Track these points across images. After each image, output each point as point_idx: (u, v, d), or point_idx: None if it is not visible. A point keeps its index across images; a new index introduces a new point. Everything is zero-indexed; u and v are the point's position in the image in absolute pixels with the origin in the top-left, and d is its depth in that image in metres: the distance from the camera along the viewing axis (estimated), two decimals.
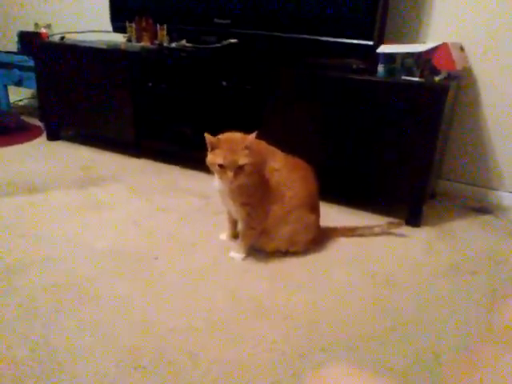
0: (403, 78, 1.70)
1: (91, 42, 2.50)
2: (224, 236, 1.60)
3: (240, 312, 1.21)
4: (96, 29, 2.62)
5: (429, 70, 1.70)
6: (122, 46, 2.34)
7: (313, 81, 1.82)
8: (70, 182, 2.06)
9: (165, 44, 2.32)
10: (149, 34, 2.33)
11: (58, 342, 1.05)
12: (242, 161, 1.25)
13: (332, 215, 1.81)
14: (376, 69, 1.77)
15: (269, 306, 1.24)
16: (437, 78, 1.68)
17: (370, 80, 1.74)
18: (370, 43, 1.85)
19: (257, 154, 1.32)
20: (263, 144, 1.43)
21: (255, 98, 1.96)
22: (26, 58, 2.77)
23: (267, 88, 1.92)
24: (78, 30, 2.64)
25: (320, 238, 1.58)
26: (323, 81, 1.81)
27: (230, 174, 1.26)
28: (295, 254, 1.51)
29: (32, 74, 2.67)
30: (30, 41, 2.73)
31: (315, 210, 1.52)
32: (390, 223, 1.68)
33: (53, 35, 2.70)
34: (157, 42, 2.33)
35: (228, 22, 2.16)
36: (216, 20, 2.17)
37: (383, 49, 1.74)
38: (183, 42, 2.36)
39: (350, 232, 1.66)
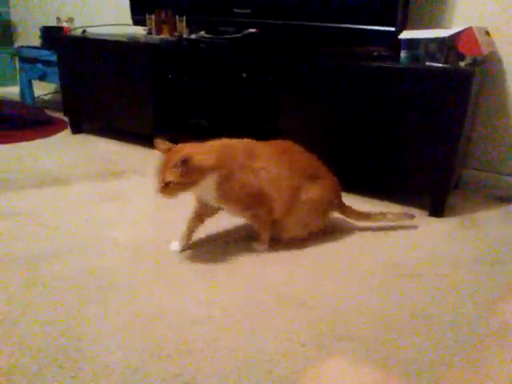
0: (427, 64, 1.65)
1: (112, 35, 2.52)
2: (176, 245, 1.45)
3: (259, 302, 1.21)
4: (117, 22, 2.64)
5: (453, 55, 1.65)
6: (142, 39, 2.36)
7: (334, 70, 1.80)
8: (92, 174, 2.10)
9: (184, 36, 2.32)
10: (168, 26, 2.34)
11: (81, 330, 1.08)
12: (168, 178, 1.23)
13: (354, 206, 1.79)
14: (399, 56, 1.73)
15: (288, 296, 1.24)
16: (462, 64, 1.63)
17: (392, 67, 1.70)
18: (393, 29, 1.81)
19: (220, 162, 1.29)
20: (238, 148, 1.37)
21: (275, 88, 1.94)
22: (49, 52, 2.82)
23: (288, 78, 1.90)
24: (99, 24, 2.67)
25: (339, 202, 1.55)
26: (345, 69, 1.78)
27: (158, 186, 1.25)
28: (317, 236, 1.51)
29: (55, 69, 2.71)
30: (52, 35, 2.78)
31: (319, 178, 1.47)
32: (404, 214, 1.61)
33: (74, 29, 2.74)
34: (176, 33, 2.34)
35: (248, 11, 2.14)
36: (236, 10, 2.16)
37: (406, 35, 1.70)
38: (202, 33, 2.36)
39: (364, 217, 1.59)
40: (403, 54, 1.71)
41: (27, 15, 3.47)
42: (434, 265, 1.42)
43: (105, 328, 1.09)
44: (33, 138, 2.60)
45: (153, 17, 2.38)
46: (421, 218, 1.72)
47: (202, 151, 1.28)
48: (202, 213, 1.45)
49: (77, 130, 2.73)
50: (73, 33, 2.69)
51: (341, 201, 1.56)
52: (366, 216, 1.59)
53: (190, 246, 1.47)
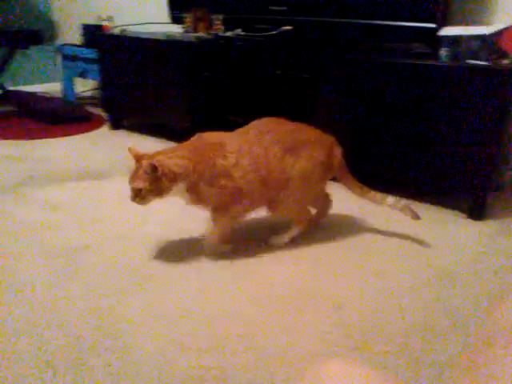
0: (468, 62, 1.60)
1: (150, 33, 2.57)
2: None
3: (291, 300, 1.21)
4: (155, 20, 2.69)
5: (496, 53, 1.59)
6: (179, 37, 2.39)
7: (372, 67, 1.77)
8: (129, 169, 2.15)
9: (220, 33, 2.34)
10: (205, 24, 2.36)
11: (118, 319, 1.12)
12: (138, 186, 1.23)
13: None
14: (439, 53, 1.68)
15: (319, 295, 1.24)
16: (505, 62, 1.57)
17: (432, 65, 1.66)
18: (433, 26, 1.76)
19: (191, 167, 1.27)
20: (210, 147, 1.33)
21: (310, 86, 1.93)
22: (89, 50, 2.91)
23: (323, 76, 1.89)
24: (138, 22, 2.73)
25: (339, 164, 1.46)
26: (383, 67, 1.75)
27: (131, 194, 1.26)
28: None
29: (95, 66, 2.80)
30: (93, 33, 2.86)
31: (305, 147, 1.38)
32: (407, 207, 1.47)
33: (114, 28, 2.81)
34: (212, 31, 2.36)
35: (284, 8, 2.14)
36: (271, 7, 2.16)
37: (447, 31, 1.65)
38: (238, 30, 2.37)
39: (360, 190, 1.49)
40: (443, 51, 1.67)
41: (69, 13, 3.58)
42: (471, 268, 1.39)
43: (140, 319, 1.12)
44: (72, 134, 2.69)
45: (190, 15, 2.42)
46: (458, 221, 1.68)
47: (173, 156, 1.27)
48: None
49: (115, 125, 2.80)
50: (112, 31, 2.76)
51: (340, 163, 1.46)
52: (365, 191, 1.49)
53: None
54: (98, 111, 3.11)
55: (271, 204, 1.41)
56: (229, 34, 2.34)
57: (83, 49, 2.99)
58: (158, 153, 1.29)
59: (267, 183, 1.34)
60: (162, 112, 2.48)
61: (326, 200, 1.59)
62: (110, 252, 1.43)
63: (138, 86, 2.53)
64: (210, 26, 2.35)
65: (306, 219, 1.50)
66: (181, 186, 1.28)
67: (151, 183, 1.22)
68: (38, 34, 2.80)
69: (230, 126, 2.27)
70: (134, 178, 1.24)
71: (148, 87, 2.49)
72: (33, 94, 3.08)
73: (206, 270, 1.35)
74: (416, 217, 1.46)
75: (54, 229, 1.57)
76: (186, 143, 1.35)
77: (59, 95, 3.35)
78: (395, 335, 1.09)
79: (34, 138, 2.55)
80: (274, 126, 1.41)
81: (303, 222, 1.50)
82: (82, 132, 2.74)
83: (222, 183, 1.30)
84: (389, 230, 1.60)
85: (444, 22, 1.80)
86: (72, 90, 3.26)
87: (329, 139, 1.45)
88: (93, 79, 3.10)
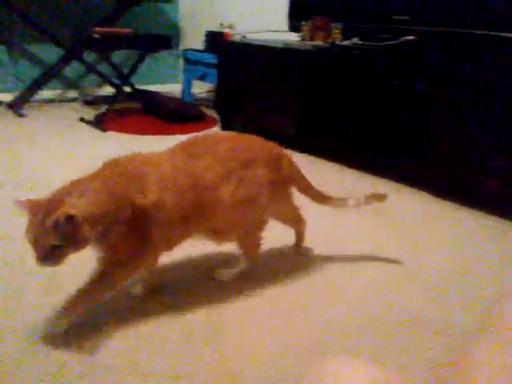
0: None
1: (268, 40, 2.67)
2: (137, 288, 1.22)
3: (381, 323, 1.18)
4: (274, 29, 2.79)
5: None
6: (295, 45, 2.45)
7: (501, 84, 1.65)
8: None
9: (337, 42, 2.35)
10: (323, 33, 2.39)
11: (229, 312, 1.17)
12: (48, 242, 0.91)
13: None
14: None
15: (422, 319, 1.18)
16: None
17: None
18: None
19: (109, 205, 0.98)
20: (127, 178, 1.03)
21: (426, 100, 1.85)
22: (210, 55, 3.10)
23: (442, 90, 1.80)
24: (257, 30, 2.85)
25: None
26: None
27: (38, 254, 0.93)
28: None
29: (213, 70, 2.98)
30: (214, 40, 3.05)
31: (247, 168, 1.15)
32: (371, 196, 1.37)
33: (235, 35, 2.96)
34: (329, 40, 2.38)
35: (406, 18, 2.08)
36: (394, 17, 2.11)
37: None
38: (355, 39, 2.36)
39: (322, 198, 1.35)
40: None
41: (194, 20, 3.85)
42: None
43: (251, 318, 1.18)
44: (187, 132, 2.89)
45: (308, 23, 2.46)
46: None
47: (88, 192, 0.96)
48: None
49: (226, 127, 2.95)
50: (233, 38, 2.91)
51: (292, 174, 1.28)
52: (326, 199, 1.36)
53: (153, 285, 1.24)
54: (210, 112, 3.30)
55: (215, 235, 1.20)
56: (346, 42, 2.34)
57: (204, 54, 3.20)
58: (61, 193, 0.96)
59: (198, 218, 1.11)
60: (271, 117, 2.56)
61: (296, 220, 1.39)
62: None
63: (251, 91, 2.64)
64: (328, 35, 2.37)
65: (256, 252, 1.30)
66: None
67: (69, 236, 0.91)
68: (168, 39, 3.06)
69: (338, 137, 2.27)
70: (37, 233, 0.91)
71: (260, 92, 2.58)
72: (156, 93, 3.36)
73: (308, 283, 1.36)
74: (383, 197, 1.38)
75: None
76: (98, 172, 1.04)
77: (177, 96, 3.62)
78: None
79: (155, 134, 2.79)
80: (206, 147, 1.15)
81: (252, 255, 1.29)
82: (195, 131, 2.92)
83: (135, 230, 1.02)
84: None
85: None
86: (190, 91, 3.51)
87: (273, 151, 1.24)
88: (210, 82, 3.31)
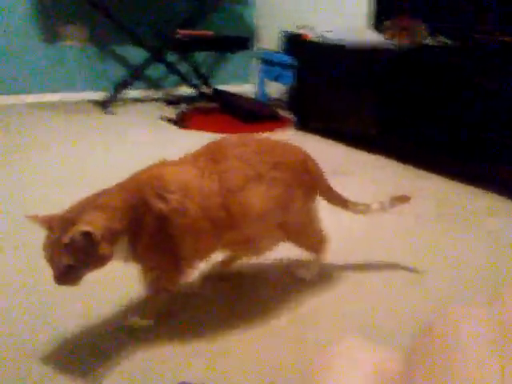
0: None
1: (348, 40, 2.66)
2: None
3: None
4: (353, 29, 2.77)
5: None
6: (377, 45, 2.42)
7: None
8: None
9: (422, 42, 2.29)
10: (407, 32, 2.34)
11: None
12: (65, 261, 0.86)
13: None
14: None
15: None
16: None
17: None
18: None
19: (130, 218, 0.93)
20: (147, 188, 0.96)
21: None
22: (287, 56, 3.14)
23: None
24: (337, 30, 2.84)
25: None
26: None
27: (56, 273, 0.88)
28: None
29: (288, 71, 3.02)
30: (291, 41, 3.09)
31: (268, 172, 1.06)
32: (396, 198, 1.30)
33: (313, 35, 2.98)
34: (414, 40, 2.32)
35: (498, 17, 1.98)
36: (489, 15, 2.02)
37: None
38: (441, 38, 2.28)
39: (343, 203, 1.29)
40: None
41: (270, 21, 3.92)
42: None
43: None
44: (261, 131, 2.95)
45: (391, 23, 2.42)
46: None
47: (106, 208, 0.91)
48: None
49: (300, 127, 2.98)
50: (310, 38, 2.93)
51: (318, 177, 1.22)
52: (349, 204, 1.29)
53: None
54: (283, 113, 3.34)
55: (248, 246, 1.13)
56: (431, 42, 2.27)
57: (281, 55, 3.25)
58: (78, 208, 0.91)
59: (227, 224, 1.02)
60: (349, 118, 2.55)
61: (318, 235, 1.27)
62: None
63: (329, 91, 2.65)
64: (412, 35, 2.32)
65: (320, 244, 1.26)
66: (121, 245, 0.93)
67: (86, 255, 0.86)
68: (247, 40, 3.15)
69: (418, 138, 2.21)
70: (54, 252, 0.86)
71: (338, 92, 2.58)
72: (233, 94, 3.47)
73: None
74: (407, 198, 1.31)
75: None
76: (115, 185, 0.99)
77: (251, 96, 3.71)
78: None
79: (231, 132, 2.89)
80: (231, 150, 1.07)
81: (316, 247, 1.26)
82: (269, 130, 2.99)
83: (162, 240, 0.98)
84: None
85: None
86: (264, 91, 3.58)
87: (298, 153, 1.18)
88: (284, 83, 3.35)
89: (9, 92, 3.31)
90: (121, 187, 0.96)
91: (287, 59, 3.13)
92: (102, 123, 3.00)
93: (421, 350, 0.40)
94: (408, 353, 0.42)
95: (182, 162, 1.06)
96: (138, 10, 3.55)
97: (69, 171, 2.09)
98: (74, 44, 3.45)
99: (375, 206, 1.29)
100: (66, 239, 0.83)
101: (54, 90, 3.48)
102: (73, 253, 0.85)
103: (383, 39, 2.49)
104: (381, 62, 2.30)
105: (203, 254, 1.07)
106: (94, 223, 0.86)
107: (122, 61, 3.68)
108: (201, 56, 3.79)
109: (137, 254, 0.96)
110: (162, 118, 3.10)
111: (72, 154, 2.34)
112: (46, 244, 0.87)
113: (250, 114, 3.11)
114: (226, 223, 1.01)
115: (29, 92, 3.38)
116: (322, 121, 2.89)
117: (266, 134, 2.87)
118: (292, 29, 3.32)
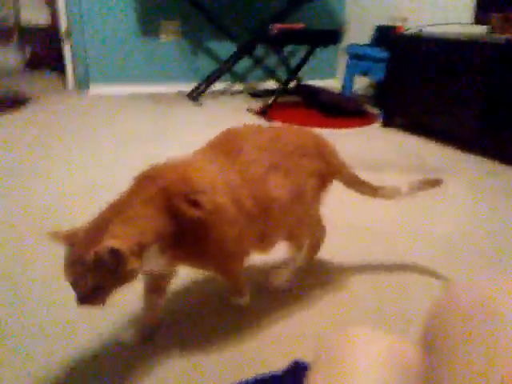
0: None
1: (448, 33, 2.53)
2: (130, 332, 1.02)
3: None
4: (453, 21, 2.63)
5: None
6: (481, 38, 2.27)
7: None
8: (404, 166, 2.21)
9: None
10: None
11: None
12: (92, 283, 0.77)
13: None
14: None
15: None
16: None
17: None
18: None
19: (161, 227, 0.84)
20: (164, 189, 0.85)
21: None
22: (378, 50, 3.06)
23: None
24: (434, 23, 2.72)
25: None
26: None
27: (80, 295, 0.78)
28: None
29: (378, 65, 2.93)
30: (385, 34, 2.99)
31: (285, 159, 1.01)
32: (424, 182, 1.22)
33: (409, 29, 2.87)
34: None
35: None
36: None
37: None
38: None
39: (371, 190, 1.20)
40: None
41: (361, 15, 3.83)
42: None
43: None
44: (347, 126, 2.91)
45: (499, 15, 2.26)
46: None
47: (131, 220, 0.81)
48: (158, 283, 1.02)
49: (388, 123, 2.89)
50: (406, 32, 2.83)
51: (337, 164, 1.14)
52: (376, 189, 1.20)
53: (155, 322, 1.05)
54: (368, 108, 3.26)
55: (261, 242, 1.04)
56: None
57: (372, 49, 3.17)
58: (101, 220, 0.82)
59: (260, 216, 0.96)
60: (446, 115, 2.42)
61: (318, 226, 1.23)
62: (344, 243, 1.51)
63: (424, 86, 2.54)
64: None
65: (304, 241, 1.19)
66: (152, 253, 0.84)
67: (113, 274, 0.77)
68: (338, 34, 3.11)
69: None
70: (76, 272, 0.77)
71: (435, 88, 2.47)
72: (318, 88, 3.45)
73: None
74: (438, 182, 1.23)
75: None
76: (137, 189, 0.87)
77: (336, 90, 3.66)
78: None
79: (316, 126, 2.87)
80: (246, 139, 1.01)
81: (300, 243, 1.17)
82: (356, 126, 2.94)
83: (207, 242, 0.90)
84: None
85: None
86: (351, 86, 3.52)
87: (314, 139, 1.10)
88: (373, 78, 3.27)
89: (109, 82, 3.56)
90: (146, 196, 0.84)
91: (379, 53, 3.04)
92: (190, 113, 3.14)
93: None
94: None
95: (199, 157, 0.98)
96: (229, 5, 3.65)
97: (161, 154, 2.21)
98: (168, 38, 3.63)
99: (405, 188, 1.21)
100: (91, 257, 0.74)
101: (149, 82, 3.68)
102: (99, 272, 0.76)
103: (488, 32, 2.34)
104: (485, 56, 2.16)
105: (247, 246, 1.01)
106: (122, 238, 0.77)
107: (211, 54, 3.80)
108: (289, 49, 3.81)
109: (174, 256, 0.88)
110: (248, 110, 3.17)
111: (162, 140, 2.48)
112: (67, 263, 0.78)
113: (335, 109, 3.08)
114: (256, 213, 0.95)
115: (126, 82, 3.61)
116: (412, 117, 2.79)
117: (355, 129, 2.84)
118: (385, 22, 3.23)
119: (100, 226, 0.79)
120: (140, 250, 0.79)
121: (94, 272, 0.75)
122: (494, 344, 0.31)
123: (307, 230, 1.16)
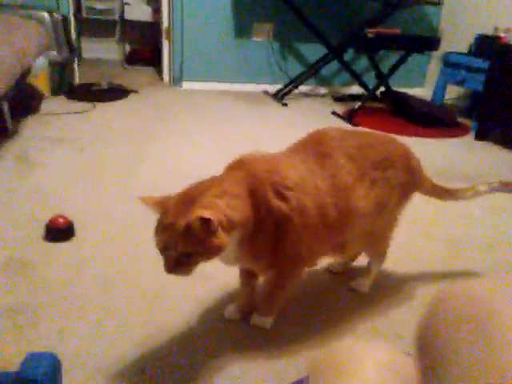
0: None
1: None
2: (231, 309, 1.08)
3: None
4: None
5: None
6: None
7: None
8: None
9: None
10: None
11: None
12: (183, 249, 0.79)
13: None
14: None
15: None
16: None
17: None
18: None
19: (251, 209, 0.85)
20: (255, 182, 0.87)
21: None
22: (478, 60, 2.92)
23: None
24: None
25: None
26: None
27: (169, 262, 0.81)
28: None
29: (476, 75, 2.80)
30: (486, 44, 2.86)
31: (373, 169, 1.01)
32: (503, 183, 1.24)
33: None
34: None
35: None
36: None
37: None
38: None
39: (449, 194, 1.23)
40: None
41: (459, 23, 3.68)
42: None
43: None
44: (435, 136, 2.81)
45: None
46: None
47: (225, 196, 0.83)
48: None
49: (482, 136, 2.76)
50: (510, 42, 2.69)
51: (421, 177, 1.15)
52: (454, 193, 1.23)
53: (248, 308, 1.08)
54: (460, 119, 3.13)
55: (341, 248, 1.08)
56: None
57: (471, 58, 3.03)
58: (194, 191, 0.84)
59: (339, 225, 0.96)
60: None
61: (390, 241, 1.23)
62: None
63: None
64: None
65: (385, 253, 1.20)
66: (233, 238, 0.85)
67: (202, 243, 0.78)
68: (436, 41, 3.02)
69: None
70: (170, 239, 0.79)
71: None
72: (408, 95, 3.36)
73: None
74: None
75: None
76: (230, 174, 0.90)
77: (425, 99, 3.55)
78: None
79: (401, 134, 2.80)
80: (335, 144, 0.99)
81: (382, 256, 1.20)
82: (447, 137, 2.83)
83: (279, 238, 0.90)
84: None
85: None
86: (442, 95, 3.39)
87: (402, 149, 1.10)
88: (468, 88, 3.13)
89: (200, 78, 3.74)
90: (237, 177, 0.87)
91: (477, 63, 2.91)
92: (276, 113, 3.20)
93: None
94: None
95: (290, 154, 1.00)
96: (321, 7, 3.67)
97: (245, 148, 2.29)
98: (260, 40, 3.73)
99: (483, 188, 1.23)
100: (183, 225, 0.76)
101: (237, 80, 3.81)
102: (189, 240, 0.77)
103: None
104: None
105: (316, 255, 1.02)
106: (214, 209, 0.79)
107: (299, 57, 3.85)
108: (380, 55, 3.76)
109: (246, 253, 0.89)
110: (333, 113, 3.18)
111: (250, 137, 2.56)
112: (158, 229, 0.80)
113: (425, 118, 2.99)
114: (337, 224, 0.95)
115: (216, 79, 3.77)
116: (509, 132, 2.64)
117: (445, 140, 2.73)
118: (484, 31, 3.08)
119: (192, 197, 0.81)
120: (228, 225, 0.80)
121: (184, 239, 0.77)
122: (489, 346, 0.31)
123: (388, 241, 1.17)
